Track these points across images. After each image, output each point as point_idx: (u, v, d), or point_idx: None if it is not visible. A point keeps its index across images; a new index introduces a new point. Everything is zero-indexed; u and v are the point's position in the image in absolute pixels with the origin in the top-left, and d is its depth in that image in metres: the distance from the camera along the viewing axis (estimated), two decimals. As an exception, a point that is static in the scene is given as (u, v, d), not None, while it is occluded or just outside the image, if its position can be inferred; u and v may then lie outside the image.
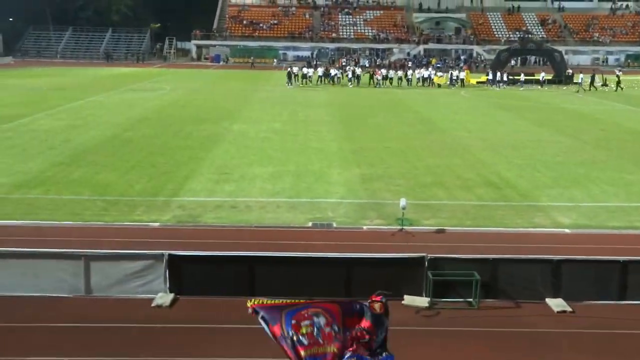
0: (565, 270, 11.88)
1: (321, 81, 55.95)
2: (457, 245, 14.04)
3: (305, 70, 57.18)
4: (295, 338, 6.73)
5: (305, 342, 6.73)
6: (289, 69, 55.09)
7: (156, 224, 15.91)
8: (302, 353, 6.68)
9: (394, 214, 16.42)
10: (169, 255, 11.75)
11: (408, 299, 11.67)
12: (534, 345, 10.39)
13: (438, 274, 11.62)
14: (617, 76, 54.75)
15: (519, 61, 79.94)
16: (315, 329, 6.82)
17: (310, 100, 43.63)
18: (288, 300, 7.19)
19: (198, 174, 21.04)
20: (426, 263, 11.73)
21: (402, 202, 15.66)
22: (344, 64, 74.13)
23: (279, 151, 25.13)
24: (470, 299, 11.62)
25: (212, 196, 18.44)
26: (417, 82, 56.41)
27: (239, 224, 15.91)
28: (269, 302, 7.13)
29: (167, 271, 11.70)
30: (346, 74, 56.51)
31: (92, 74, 65.15)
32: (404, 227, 15.48)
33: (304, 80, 55.19)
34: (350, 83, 54.56)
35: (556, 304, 11.69)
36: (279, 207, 17.43)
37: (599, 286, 11.91)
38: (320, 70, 58.26)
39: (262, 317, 6.95)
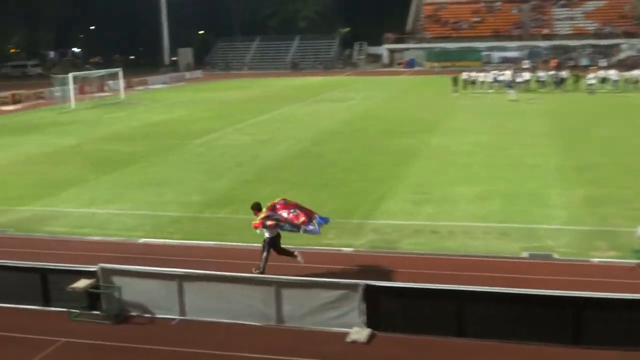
0: None
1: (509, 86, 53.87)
2: None
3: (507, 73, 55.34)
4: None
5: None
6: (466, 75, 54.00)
7: (349, 249, 16.18)
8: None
9: (629, 244, 15.27)
10: (365, 285, 11.85)
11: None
12: None
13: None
14: None
15: None
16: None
17: (520, 108, 42.31)
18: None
19: (394, 194, 21.16)
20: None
21: (640, 230, 14.53)
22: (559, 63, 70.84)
23: (486, 168, 24.59)
24: None
25: (410, 219, 18.42)
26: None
27: (441, 252, 15.72)
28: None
29: (363, 303, 11.80)
30: (553, 77, 53.79)
31: (279, 84, 68.65)
32: (643, 261, 14.34)
33: (472, 85, 53.58)
34: (556, 86, 52.06)
35: None
36: (488, 234, 17.01)
37: None
38: (528, 75, 55.86)
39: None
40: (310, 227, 13.46)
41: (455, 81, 52.59)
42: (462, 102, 47.26)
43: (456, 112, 41.79)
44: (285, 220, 13.42)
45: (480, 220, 18.15)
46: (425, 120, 38.23)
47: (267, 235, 13.79)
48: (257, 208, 14.17)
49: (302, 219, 13.46)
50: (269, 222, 13.50)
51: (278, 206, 13.73)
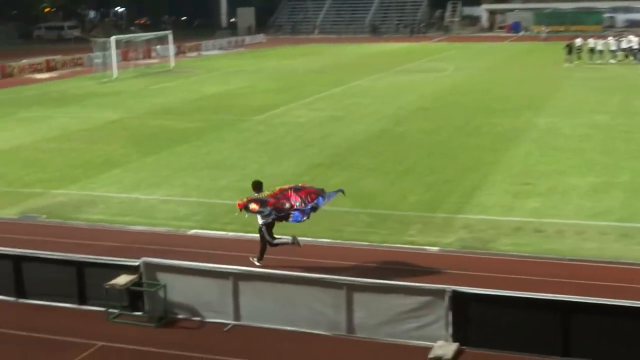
0: None
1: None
2: None
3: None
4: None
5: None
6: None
7: (435, 249, 16.16)
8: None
9: None
10: (453, 291, 11.81)
11: None
12: None
13: None
14: None
15: None
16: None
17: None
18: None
19: (490, 184, 20.98)
20: None
21: None
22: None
23: (605, 155, 24.15)
24: None
25: (508, 215, 18.25)
26: None
27: (546, 255, 15.52)
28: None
29: (450, 313, 11.77)
30: None
31: (355, 51, 68.75)
32: None
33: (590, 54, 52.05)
34: None
35: None
36: (605, 234, 16.73)
37: None
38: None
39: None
40: (297, 214, 14.41)
41: (569, 49, 51.60)
42: (577, 74, 46.36)
43: (569, 86, 41.06)
44: (275, 206, 14.35)
45: (596, 218, 17.83)
46: (530, 96, 37.66)
47: (260, 222, 14.74)
48: (257, 187, 15.17)
49: (297, 203, 14.45)
50: (252, 206, 14.47)
51: (290, 192, 14.66)
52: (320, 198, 14.66)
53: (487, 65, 53.12)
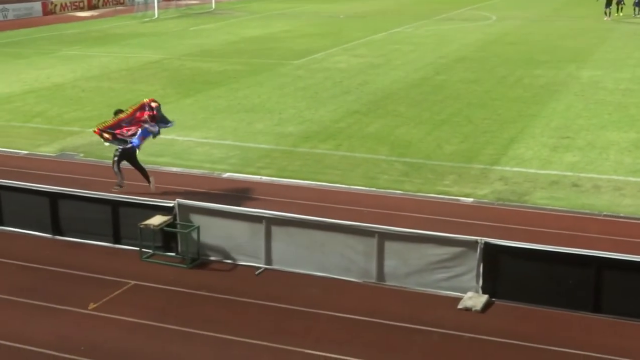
0: None
1: None
2: None
3: None
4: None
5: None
6: None
7: (469, 200, 16.10)
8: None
9: None
10: (485, 243, 11.77)
11: None
12: None
13: None
14: None
15: None
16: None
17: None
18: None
19: (528, 137, 20.77)
20: None
21: None
22: None
23: (648, 110, 23.76)
24: None
25: (545, 168, 18.08)
26: None
27: (582, 210, 15.37)
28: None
29: (482, 264, 11.75)
30: None
31: (398, -3, 67.78)
32: None
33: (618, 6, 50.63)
34: None
35: None
36: (643, 191, 16.52)
37: None
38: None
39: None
40: (135, 140, 15.75)
41: (608, 1, 50.17)
42: (623, 27, 45.41)
43: (614, 40, 40.28)
44: (122, 134, 15.75)
45: (636, 174, 17.57)
46: (574, 48, 37.07)
47: (119, 147, 15.88)
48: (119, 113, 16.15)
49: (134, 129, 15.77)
50: (106, 135, 15.82)
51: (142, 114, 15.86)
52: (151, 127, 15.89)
53: (532, 16, 52.18)
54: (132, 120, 15.74)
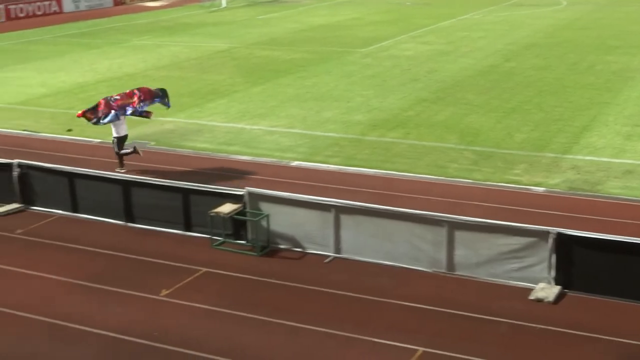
0: None
1: None
2: None
3: None
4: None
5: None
6: None
7: (540, 189, 15.88)
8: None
9: None
10: (558, 233, 11.61)
11: None
12: None
13: None
14: None
15: None
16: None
17: None
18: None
19: (601, 125, 20.40)
20: None
21: None
22: None
23: None
24: None
25: (619, 157, 17.75)
26: None
27: (657, 200, 15.08)
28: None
29: (554, 255, 11.59)
30: None
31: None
32: None
33: None
34: None
35: None
36: None
37: None
38: None
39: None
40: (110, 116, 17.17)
41: None
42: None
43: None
44: (104, 113, 17.16)
45: None
46: (650, 33, 36.23)
47: (113, 137, 17.41)
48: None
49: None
50: (87, 116, 17.28)
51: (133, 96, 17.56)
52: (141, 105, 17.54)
53: (602, 0, 51.06)
54: (112, 105, 17.26)
